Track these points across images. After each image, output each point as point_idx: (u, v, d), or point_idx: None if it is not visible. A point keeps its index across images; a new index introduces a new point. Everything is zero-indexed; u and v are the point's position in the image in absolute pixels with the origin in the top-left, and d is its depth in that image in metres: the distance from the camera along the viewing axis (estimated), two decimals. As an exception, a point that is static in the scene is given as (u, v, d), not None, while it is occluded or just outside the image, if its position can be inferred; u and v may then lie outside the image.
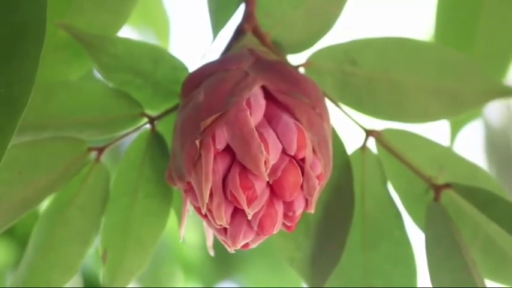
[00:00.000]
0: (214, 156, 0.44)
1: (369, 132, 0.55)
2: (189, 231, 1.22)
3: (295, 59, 0.55)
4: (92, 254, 1.11)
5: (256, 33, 0.54)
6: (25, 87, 0.40)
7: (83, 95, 0.53)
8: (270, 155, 0.44)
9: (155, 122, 0.53)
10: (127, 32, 1.01)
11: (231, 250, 0.46)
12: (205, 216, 0.46)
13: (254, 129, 0.44)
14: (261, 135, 0.44)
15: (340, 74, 0.54)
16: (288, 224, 0.46)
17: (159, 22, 0.98)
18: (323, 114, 0.47)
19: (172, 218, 0.55)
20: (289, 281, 1.26)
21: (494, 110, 1.52)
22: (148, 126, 0.54)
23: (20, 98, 0.40)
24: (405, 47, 0.55)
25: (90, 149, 0.53)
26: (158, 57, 0.53)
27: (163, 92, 0.53)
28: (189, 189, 0.46)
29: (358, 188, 0.55)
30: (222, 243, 0.46)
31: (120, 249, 0.52)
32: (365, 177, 0.55)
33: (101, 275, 0.53)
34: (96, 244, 0.54)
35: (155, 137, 0.53)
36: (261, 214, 0.45)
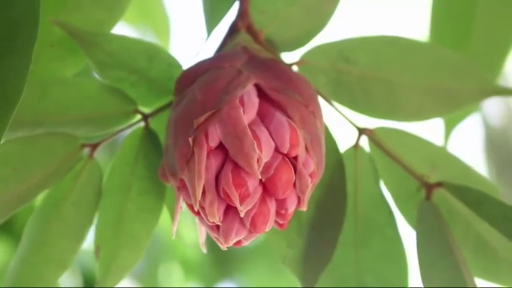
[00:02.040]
0: (207, 154, 0.44)
1: (361, 131, 0.55)
2: (189, 230, 1.22)
3: (289, 57, 0.55)
4: (91, 252, 1.11)
5: (250, 31, 0.54)
6: (17, 84, 0.40)
7: (77, 92, 0.53)
8: (262, 152, 0.44)
9: (149, 119, 0.54)
10: (126, 30, 1.01)
11: (223, 247, 0.46)
12: (198, 213, 0.46)
13: (247, 127, 0.44)
14: (253, 133, 0.44)
15: (334, 72, 0.54)
16: (281, 222, 0.46)
17: (159, 21, 0.98)
18: (316, 112, 0.47)
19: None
20: (289, 281, 1.26)
21: (494, 108, 1.52)
22: (142, 123, 0.54)
23: (12, 95, 0.40)
24: (399, 46, 0.55)
25: (83, 146, 0.53)
26: (153, 55, 0.53)
27: (157, 89, 0.53)
28: (182, 186, 0.46)
29: (351, 186, 0.55)
30: (215, 240, 0.46)
31: (113, 245, 0.52)
32: (358, 175, 0.55)
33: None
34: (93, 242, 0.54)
35: (149, 134, 0.53)
36: (253, 212, 0.45)
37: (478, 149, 1.51)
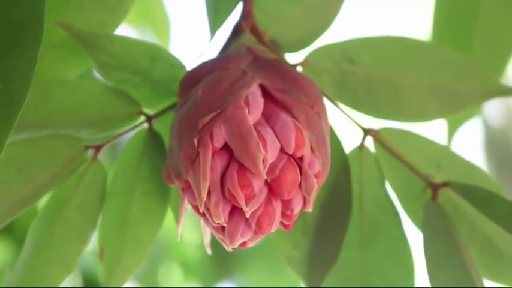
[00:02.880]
0: (212, 155, 0.44)
1: (366, 131, 0.55)
2: (189, 231, 1.22)
3: (293, 58, 0.55)
4: (91, 253, 1.11)
5: (254, 31, 0.54)
6: (23, 84, 0.40)
7: (80, 94, 0.53)
8: (268, 153, 0.44)
9: (153, 121, 0.54)
10: (127, 31, 1.01)
11: (228, 249, 0.46)
12: (203, 214, 0.46)
13: (252, 127, 0.44)
14: (259, 133, 0.44)
15: (338, 72, 0.54)
16: (286, 223, 0.46)
17: (159, 21, 0.98)
18: (321, 113, 0.47)
19: (171, 217, 0.55)
20: (289, 281, 1.26)
21: (494, 109, 1.52)
22: (145, 124, 0.54)
23: (18, 95, 0.40)
24: (403, 46, 0.55)
25: (87, 147, 0.53)
26: (156, 56, 0.53)
27: (161, 91, 0.53)
28: (187, 188, 0.46)
29: (356, 187, 0.55)
30: (220, 241, 0.46)
31: (117, 247, 0.52)
32: (363, 176, 0.55)
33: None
34: (95, 243, 0.54)
35: (152, 136, 0.53)
36: (259, 212, 0.44)
37: (478, 150, 1.51)
